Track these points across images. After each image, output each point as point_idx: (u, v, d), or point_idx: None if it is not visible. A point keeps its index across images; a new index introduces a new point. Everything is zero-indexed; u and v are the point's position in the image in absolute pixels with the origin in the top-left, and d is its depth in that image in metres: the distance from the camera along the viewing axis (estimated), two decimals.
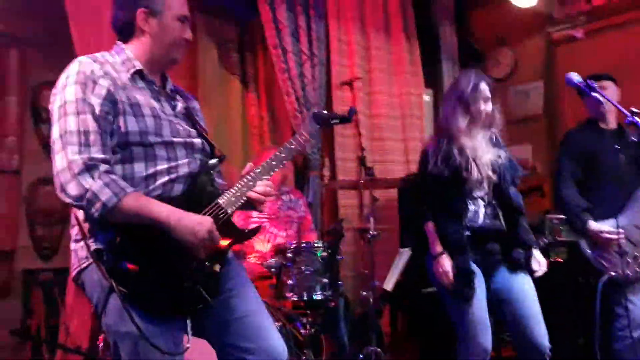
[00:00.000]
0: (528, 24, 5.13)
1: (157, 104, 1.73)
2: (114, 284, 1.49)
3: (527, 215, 2.61)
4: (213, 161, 1.78)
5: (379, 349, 2.85)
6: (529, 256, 2.49)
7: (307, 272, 2.66)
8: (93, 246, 1.54)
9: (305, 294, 2.63)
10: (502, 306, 2.46)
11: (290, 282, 2.65)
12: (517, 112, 5.25)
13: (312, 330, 2.70)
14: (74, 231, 1.65)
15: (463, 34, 5.52)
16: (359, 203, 4.33)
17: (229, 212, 1.71)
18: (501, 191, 2.49)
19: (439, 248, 2.43)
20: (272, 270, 2.69)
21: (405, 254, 3.25)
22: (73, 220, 1.62)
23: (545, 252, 3.00)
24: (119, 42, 1.79)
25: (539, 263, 2.51)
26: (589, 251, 2.99)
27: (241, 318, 1.75)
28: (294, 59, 4.31)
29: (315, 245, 2.72)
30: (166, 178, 1.66)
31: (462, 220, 2.43)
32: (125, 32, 1.77)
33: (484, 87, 2.49)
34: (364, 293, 3.06)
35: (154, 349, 1.51)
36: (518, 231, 2.51)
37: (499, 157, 2.49)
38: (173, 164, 1.68)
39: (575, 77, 2.46)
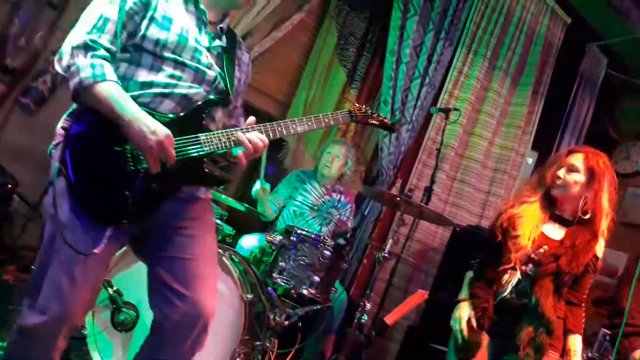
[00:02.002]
0: None
1: (195, 31, 1.77)
2: (61, 166, 1.55)
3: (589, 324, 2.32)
4: (214, 97, 1.77)
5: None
6: None
7: (302, 263, 2.58)
8: (66, 124, 1.62)
9: (291, 282, 2.55)
10: None
11: (282, 264, 2.59)
12: (627, 215, 4.69)
13: (286, 321, 2.61)
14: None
15: (601, 112, 5.04)
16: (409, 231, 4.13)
17: (205, 149, 1.70)
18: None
19: (464, 295, 2.31)
20: (273, 246, 2.64)
21: (420, 295, 3.04)
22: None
23: None
24: None
25: None
26: None
27: (183, 259, 1.73)
28: (405, 72, 4.22)
29: (324, 240, 2.63)
30: (160, 91, 1.68)
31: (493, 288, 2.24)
32: None
33: None
34: (362, 314, 2.90)
35: (67, 240, 1.55)
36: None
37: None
38: (173, 81, 1.70)
39: None
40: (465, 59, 4.46)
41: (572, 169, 2.25)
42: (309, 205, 3.56)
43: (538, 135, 4.62)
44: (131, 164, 1.63)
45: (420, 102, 4.33)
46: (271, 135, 1.79)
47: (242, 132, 1.73)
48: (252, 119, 1.80)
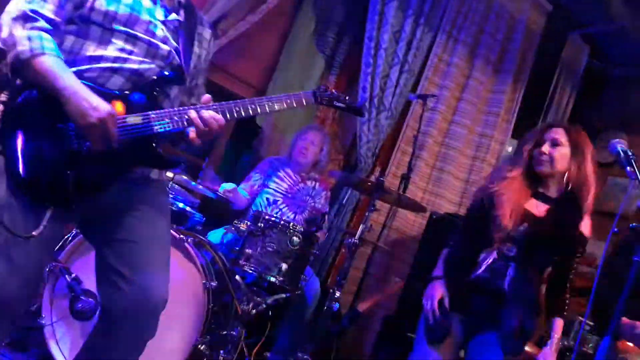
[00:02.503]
0: None
1: (148, 3, 1.69)
2: None
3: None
4: (167, 74, 1.68)
5: (309, 359, 2.62)
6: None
7: (270, 250, 2.50)
8: (4, 98, 1.52)
9: (258, 270, 2.48)
10: None
11: (249, 251, 2.51)
12: (606, 204, 4.66)
13: (254, 310, 2.54)
14: None
15: (582, 101, 5.00)
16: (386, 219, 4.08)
17: (155, 128, 1.61)
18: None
19: (439, 272, 2.22)
20: (240, 233, 2.56)
21: (394, 284, 2.98)
22: None
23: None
24: None
25: None
26: None
27: (131, 241, 1.65)
28: (384, 58, 4.14)
29: (293, 227, 2.55)
30: (109, 65, 1.59)
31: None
32: None
33: None
34: (331, 303, 2.84)
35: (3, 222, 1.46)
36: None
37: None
38: (124, 55, 1.61)
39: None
40: (445, 46, 4.40)
41: (555, 143, 2.18)
42: (283, 192, 3.49)
43: (518, 124, 4.56)
44: (74, 142, 1.54)
45: (399, 89, 4.26)
46: (228, 115, 1.70)
47: (196, 111, 1.64)
48: (207, 96, 1.71)
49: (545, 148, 2.17)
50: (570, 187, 2.17)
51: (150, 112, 1.61)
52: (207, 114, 1.64)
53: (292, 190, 3.51)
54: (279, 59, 4.23)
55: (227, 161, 4.57)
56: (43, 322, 2.39)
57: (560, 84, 4.90)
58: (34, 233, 1.50)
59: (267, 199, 3.45)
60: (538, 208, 2.17)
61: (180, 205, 2.99)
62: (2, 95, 1.57)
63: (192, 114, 1.62)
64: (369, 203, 2.85)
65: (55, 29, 1.55)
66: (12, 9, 1.51)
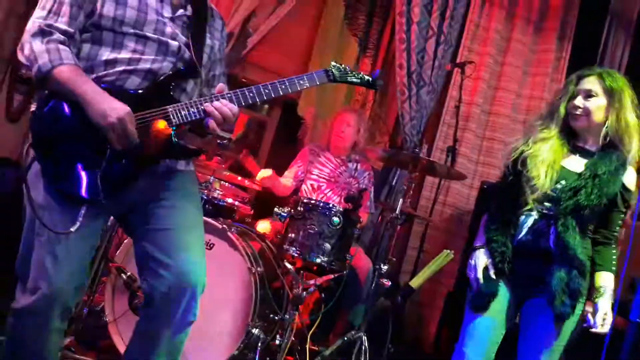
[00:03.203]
0: None
1: (155, 3, 1.74)
2: (29, 147, 1.56)
3: None
4: (179, 68, 1.74)
5: (364, 336, 2.60)
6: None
7: (312, 232, 2.52)
8: (34, 108, 1.63)
9: (302, 252, 2.50)
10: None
11: (292, 235, 2.54)
12: None
13: (304, 293, 2.57)
14: None
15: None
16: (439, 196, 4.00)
17: (174, 121, 1.67)
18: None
19: (480, 241, 2.15)
20: (281, 218, 2.60)
21: (445, 256, 2.92)
22: None
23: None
24: None
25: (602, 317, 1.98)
26: None
27: (165, 230, 1.72)
28: (417, 32, 4.07)
29: (332, 207, 2.56)
30: (124, 67, 1.67)
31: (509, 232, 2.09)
32: None
33: None
34: (383, 280, 2.82)
35: (44, 221, 1.56)
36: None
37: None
38: (136, 56, 1.68)
39: None
40: (480, 11, 4.26)
41: (589, 94, 2.04)
42: (326, 177, 3.51)
43: None
44: (99, 142, 1.62)
45: (437, 61, 4.17)
46: (242, 101, 1.74)
47: (209, 102, 1.69)
48: (221, 86, 1.75)
49: (579, 101, 2.04)
50: (609, 139, 2.04)
51: (167, 107, 1.67)
52: (221, 103, 1.68)
53: (334, 174, 3.52)
54: (313, 47, 4.25)
55: (276, 154, 4.64)
56: (107, 319, 2.53)
57: (612, 37, 4.59)
58: (71, 229, 1.59)
59: (311, 185, 3.48)
60: (576, 163, 2.06)
61: (229, 200, 3.07)
62: (32, 105, 1.68)
63: (207, 106, 1.68)
64: (408, 177, 2.80)
65: (71, 39, 1.64)
66: (30, 28, 1.62)
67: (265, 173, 3.31)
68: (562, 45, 4.35)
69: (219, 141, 1.74)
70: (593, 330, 1.99)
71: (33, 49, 1.59)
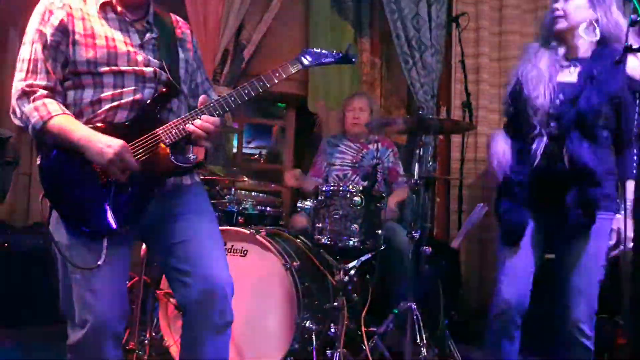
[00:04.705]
0: None
1: (121, 35, 1.80)
2: (44, 197, 1.68)
3: None
4: (162, 92, 1.80)
5: (413, 306, 2.60)
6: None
7: (337, 217, 2.54)
8: (39, 160, 1.74)
9: (333, 238, 2.53)
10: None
11: (319, 225, 2.57)
12: None
13: (345, 277, 2.60)
14: None
15: None
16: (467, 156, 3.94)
17: (166, 142, 1.75)
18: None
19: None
20: (306, 210, 2.64)
21: (480, 209, 2.88)
22: None
23: None
24: None
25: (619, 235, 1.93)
26: None
27: (184, 242, 1.79)
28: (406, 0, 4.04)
29: (349, 189, 2.57)
30: (109, 105, 1.75)
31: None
32: None
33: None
34: (424, 248, 2.81)
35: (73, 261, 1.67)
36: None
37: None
38: (118, 91, 1.75)
39: None
40: None
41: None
42: (349, 164, 3.52)
43: None
44: (102, 177, 1.72)
45: (433, 22, 4.12)
46: (226, 107, 1.79)
47: (191, 119, 1.75)
48: (202, 98, 1.81)
49: (558, 4, 1.99)
50: (603, 39, 1.96)
51: (158, 129, 1.75)
52: (202, 121, 1.74)
53: (357, 158, 3.53)
54: (308, 43, 4.29)
55: (300, 155, 4.70)
56: (167, 344, 2.64)
57: None
58: (99, 263, 1.69)
59: (337, 175, 3.50)
60: (572, 74, 1.99)
61: (259, 207, 3.14)
62: (38, 159, 1.80)
63: (189, 127, 1.75)
64: (418, 141, 2.78)
65: (54, 92, 1.73)
66: (14, 93, 1.73)
67: (293, 174, 3.33)
68: None
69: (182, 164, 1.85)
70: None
71: (23, 110, 1.69)
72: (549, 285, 2.04)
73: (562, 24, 1.98)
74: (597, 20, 1.97)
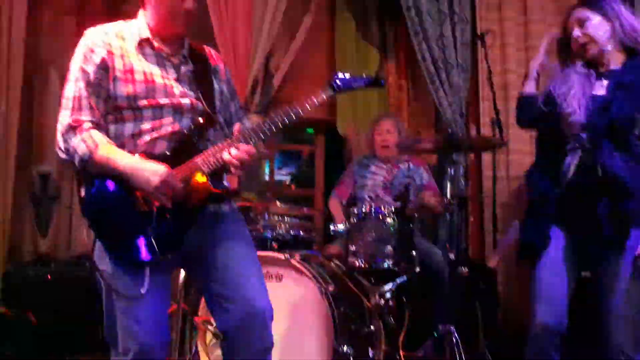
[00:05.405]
0: None
1: (158, 70, 1.88)
2: (88, 228, 1.74)
3: None
4: (197, 122, 1.87)
5: (453, 328, 2.56)
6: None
7: (370, 239, 2.55)
8: (82, 192, 1.81)
9: (368, 261, 2.54)
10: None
11: (353, 248, 2.58)
12: None
13: (381, 300, 2.59)
14: None
15: None
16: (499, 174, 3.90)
17: (205, 170, 1.80)
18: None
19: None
20: (339, 234, 2.66)
21: (516, 227, 2.84)
22: None
23: None
24: (142, 9, 1.95)
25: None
26: None
27: (224, 267, 1.83)
28: (429, 20, 4.08)
29: (381, 211, 2.58)
30: (149, 136, 1.82)
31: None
32: None
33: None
34: (462, 268, 2.79)
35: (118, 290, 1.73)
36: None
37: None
38: (157, 123, 1.83)
39: None
40: None
41: (582, 21, 2.00)
42: (381, 185, 3.53)
43: None
44: (143, 206, 1.78)
45: (458, 41, 4.14)
46: (261, 135, 1.83)
47: (227, 150, 1.80)
48: (236, 126, 1.85)
49: (577, 33, 2.00)
50: (626, 46, 1.96)
51: (196, 158, 1.82)
52: (236, 151, 1.79)
53: (389, 178, 3.54)
54: (335, 67, 4.35)
55: (331, 181, 4.73)
56: None
57: None
58: (142, 291, 1.74)
59: (369, 196, 3.51)
60: (603, 87, 1.98)
61: (292, 232, 3.16)
62: (81, 191, 1.87)
63: (225, 156, 1.79)
64: (446, 159, 2.77)
65: (98, 126, 1.82)
66: (60, 128, 1.81)
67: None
68: None
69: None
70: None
71: (70, 143, 1.77)
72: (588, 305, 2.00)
73: (593, 50, 2.00)
74: (614, 29, 1.97)
